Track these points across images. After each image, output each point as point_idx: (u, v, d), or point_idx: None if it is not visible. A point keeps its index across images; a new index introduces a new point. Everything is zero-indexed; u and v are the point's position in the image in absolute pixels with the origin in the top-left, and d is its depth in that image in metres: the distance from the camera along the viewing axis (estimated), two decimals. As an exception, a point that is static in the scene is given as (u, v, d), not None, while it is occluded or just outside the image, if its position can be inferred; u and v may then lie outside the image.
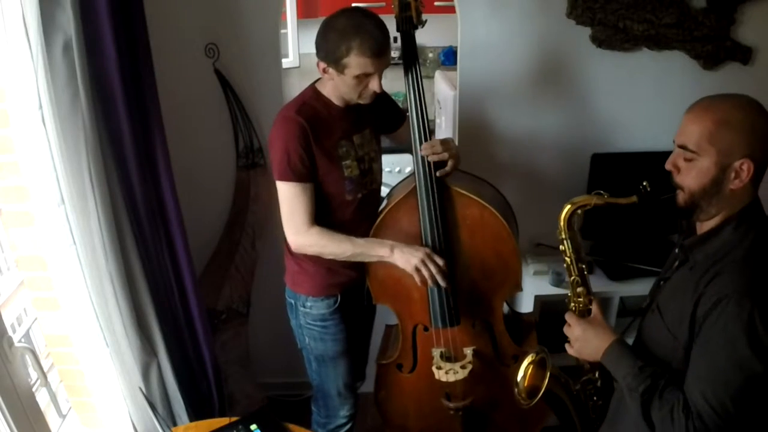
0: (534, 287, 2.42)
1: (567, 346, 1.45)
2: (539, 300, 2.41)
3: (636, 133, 2.43)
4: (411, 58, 1.75)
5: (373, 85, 1.67)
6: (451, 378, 1.89)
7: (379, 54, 1.60)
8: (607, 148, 2.43)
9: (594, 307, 1.47)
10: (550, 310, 2.45)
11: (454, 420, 2.02)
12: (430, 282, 1.73)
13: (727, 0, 2.21)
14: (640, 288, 2.42)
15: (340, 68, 1.62)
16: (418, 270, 1.71)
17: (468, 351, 1.93)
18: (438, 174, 1.76)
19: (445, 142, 1.77)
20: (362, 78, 1.64)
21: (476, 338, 1.94)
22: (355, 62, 1.60)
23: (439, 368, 1.90)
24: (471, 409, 2.00)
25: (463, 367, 1.90)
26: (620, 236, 2.52)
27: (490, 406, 2.03)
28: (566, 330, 1.45)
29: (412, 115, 1.78)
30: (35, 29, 1.46)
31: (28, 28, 1.48)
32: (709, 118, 1.20)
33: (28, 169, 1.65)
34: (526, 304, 2.46)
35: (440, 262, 1.74)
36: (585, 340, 1.40)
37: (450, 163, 1.76)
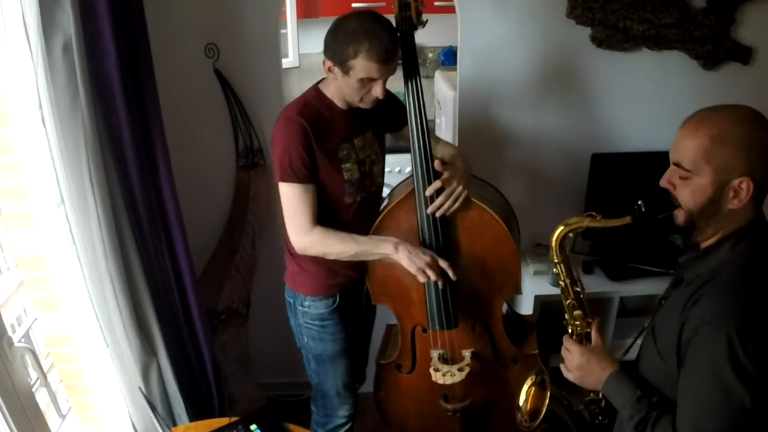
0: (534, 287, 2.42)
1: (564, 370, 1.41)
2: (539, 300, 2.41)
3: (636, 133, 2.43)
4: (411, 64, 1.74)
5: (376, 91, 1.66)
6: (448, 380, 1.89)
7: (385, 61, 1.59)
8: (607, 148, 2.44)
9: (594, 333, 1.43)
10: (550, 310, 2.45)
11: (453, 421, 2.02)
12: (440, 283, 1.74)
13: (727, 0, 2.21)
14: (640, 288, 2.42)
15: (345, 69, 1.62)
16: (422, 272, 1.71)
17: (466, 353, 1.92)
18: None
19: (447, 181, 1.74)
20: (366, 82, 1.64)
21: (475, 340, 1.94)
22: (361, 66, 1.59)
23: (436, 370, 1.90)
24: (470, 410, 2.00)
25: (460, 369, 1.89)
26: (620, 236, 2.52)
27: (489, 408, 2.03)
28: (565, 354, 1.42)
29: (412, 123, 1.76)
30: (35, 29, 1.46)
31: (28, 28, 1.48)
32: (705, 134, 1.12)
33: (28, 169, 1.65)
34: (525, 304, 2.46)
35: (444, 264, 1.73)
36: (587, 371, 1.36)
37: (455, 206, 1.76)
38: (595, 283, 2.38)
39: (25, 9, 1.46)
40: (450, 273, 1.74)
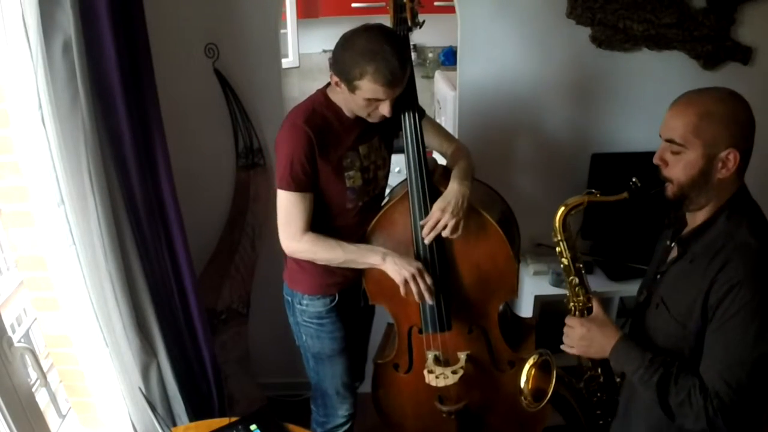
0: (534, 287, 2.42)
1: (566, 347, 1.45)
2: (539, 300, 2.41)
3: (636, 133, 2.43)
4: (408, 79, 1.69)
5: (383, 110, 1.63)
6: (441, 383, 1.88)
7: (392, 84, 1.57)
8: (607, 148, 2.44)
9: (595, 305, 1.47)
10: (550, 311, 2.45)
11: (449, 422, 2.02)
12: (416, 298, 1.72)
13: (727, 0, 2.21)
14: (640, 288, 2.42)
15: (352, 88, 1.60)
16: (406, 283, 1.70)
17: (462, 356, 1.91)
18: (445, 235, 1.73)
19: (444, 209, 1.70)
20: (372, 101, 1.62)
21: (471, 343, 1.93)
22: (367, 87, 1.57)
23: (430, 372, 1.89)
24: (465, 412, 1.99)
25: (454, 372, 1.88)
26: (620, 236, 2.53)
27: (485, 410, 2.02)
28: (567, 332, 1.45)
29: (405, 127, 1.74)
30: (35, 29, 1.46)
31: (27, 28, 1.48)
32: (693, 112, 1.24)
33: (28, 169, 1.65)
34: (525, 304, 2.46)
35: (429, 280, 1.71)
36: (590, 339, 1.40)
37: (450, 228, 1.71)
38: (595, 283, 2.37)
39: (24, 9, 1.47)
40: (431, 284, 1.71)
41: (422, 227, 1.75)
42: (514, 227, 1.97)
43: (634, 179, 1.37)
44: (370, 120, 1.70)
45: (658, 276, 1.42)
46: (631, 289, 2.42)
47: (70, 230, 1.67)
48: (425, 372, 1.90)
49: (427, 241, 1.75)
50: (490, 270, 1.84)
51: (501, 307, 1.96)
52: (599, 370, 1.56)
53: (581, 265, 1.52)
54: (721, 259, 1.23)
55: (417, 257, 1.80)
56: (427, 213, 1.74)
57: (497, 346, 1.95)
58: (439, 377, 1.88)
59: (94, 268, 1.70)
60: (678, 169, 1.27)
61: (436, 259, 1.79)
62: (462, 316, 1.89)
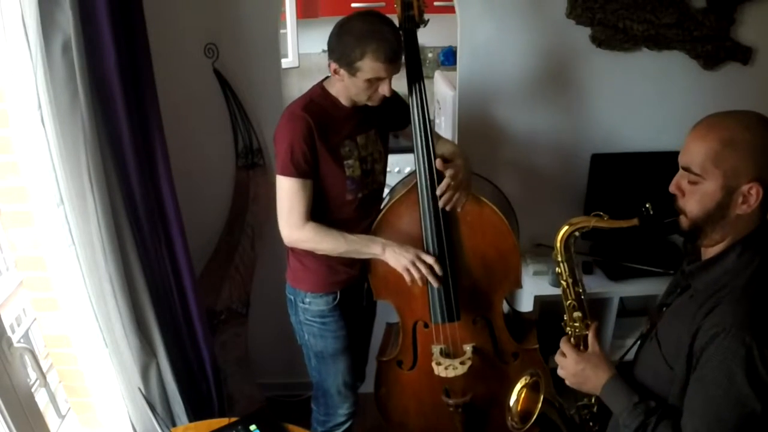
0: (534, 287, 2.42)
1: (561, 373, 1.40)
2: (539, 300, 2.41)
3: (636, 134, 2.43)
4: (415, 63, 1.76)
5: (383, 89, 1.69)
6: (450, 373, 1.90)
7: (392, 60, 1.63)
8: (607, 148, 2.43)
9: (591, 338, 1.40)
10: (550, 310, 2.45)
11: (454, 418, 2.02)
12: (419, 282, 1.75)
13: (727, 0, 2.21)
14: (640, 288, 2.42)
15: (353, 71, 1.64)
16: (407, 270, 1.74)
17: (468, 347, 1.94)
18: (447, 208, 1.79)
19: (453, 176, 1.75)
20: (373, 81, 1.67)
21: (476, 335, 1.95)
22: (369, 66, 1.62)
23: (438, 364, 1.91)
24: (471, 406, 2.01)
25: (462, 362, 1.90)
26: (620, 236, 2.52)
27: (490, 404, 2.04)
28: (560, 359, 1.40)
29: (415, 122, 1.78)
30: (34, 29, 1.46)
31: (27, 28, 1.48)
32: (714, 138, 1.11)
33: (27, 169, 1.65)
34: (525, 304, 2.46)
35: (430, 260, 1.75)
36: (584, 378, 1.35)
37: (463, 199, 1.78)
38: (595, 283, 2.38)
39: (24, 9, 1.46)
40: (436, 268, 1.76)
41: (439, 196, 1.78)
42: (514, 219, 2.00)
43: (647, 205, 1.25)
44: (370, 103, 1.74)
45: (663, 308, 1.33)
46: (630, 289, 2.42)
47: (69, 230, 1.67)
48: (433, 364, 1.92)
49: (441, 204, 1.77)
50: (495, 260, 1.88)
51: (504, 310, 1.97)
52: (593, 399, 1.51)
53: (581, 290, 1.46)
54: (715, 300, 1.13)
55: (426, 248, 1.82)
56: (435, 200, 1.78)
57: (501, 338, 1.97)
58: (448, 368, 1.90)
59: (94, 268, 1.70)
60: (693, 201, 1.16)
61: (444, 249, 1.81)
62: (467, 306, 1.91)
